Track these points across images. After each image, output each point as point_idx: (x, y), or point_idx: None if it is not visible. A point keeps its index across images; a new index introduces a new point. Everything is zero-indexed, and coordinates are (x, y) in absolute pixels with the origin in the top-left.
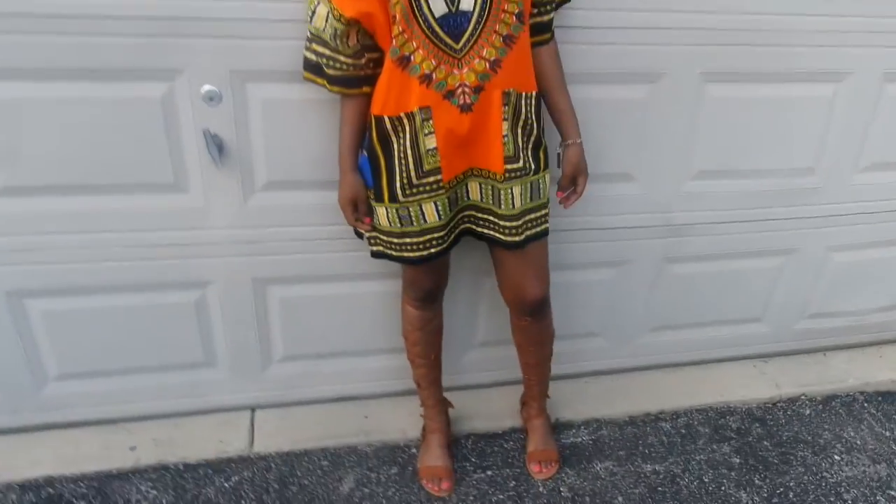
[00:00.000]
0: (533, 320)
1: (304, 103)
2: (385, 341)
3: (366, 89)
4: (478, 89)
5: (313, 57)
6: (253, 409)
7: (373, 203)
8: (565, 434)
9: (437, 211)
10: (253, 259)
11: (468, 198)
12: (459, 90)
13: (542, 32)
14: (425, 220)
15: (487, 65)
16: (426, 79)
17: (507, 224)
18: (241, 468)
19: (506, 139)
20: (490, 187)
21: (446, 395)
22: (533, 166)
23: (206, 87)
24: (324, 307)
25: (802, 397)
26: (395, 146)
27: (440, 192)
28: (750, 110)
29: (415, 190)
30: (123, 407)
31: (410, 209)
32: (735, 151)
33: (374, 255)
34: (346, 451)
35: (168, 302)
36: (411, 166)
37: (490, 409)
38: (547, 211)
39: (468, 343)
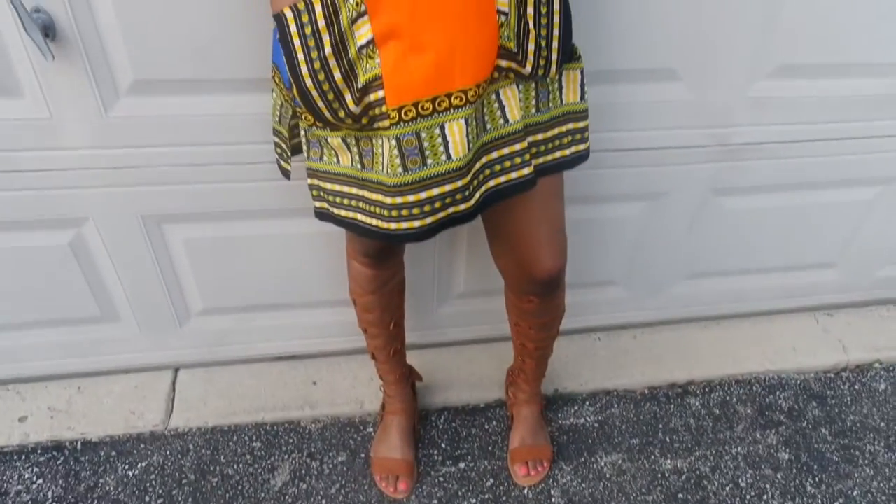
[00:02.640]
0: (541, 300)
1: None
2: (337, 291)
3: None
4: None
5: None
6: (176, 370)
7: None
8: (564, 413)
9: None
10: (133, 191)
11: None
12: None
13: None
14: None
15: None
16: None
17: (511, 149)
18: (153, 450)
19: (503, 19)
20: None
21: (413, 359)
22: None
23: None
24: (247, 251)
25: (876, 365)
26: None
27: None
28: None
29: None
30: (14, 366)
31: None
32: (835, 38)
33: (319, 214)
34: (286, 428)
35: (34, 245)
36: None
37: (470, 375)
38: (585, 124)
39: (444, 295)
